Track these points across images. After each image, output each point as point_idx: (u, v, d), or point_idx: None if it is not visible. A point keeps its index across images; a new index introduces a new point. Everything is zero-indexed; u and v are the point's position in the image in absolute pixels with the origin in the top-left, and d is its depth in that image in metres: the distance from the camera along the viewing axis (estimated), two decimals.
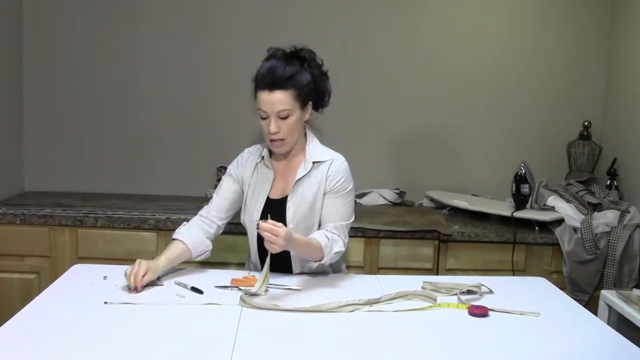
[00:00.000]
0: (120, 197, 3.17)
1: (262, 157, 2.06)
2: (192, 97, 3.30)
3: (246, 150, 2.14)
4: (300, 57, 1.97)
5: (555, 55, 3.35)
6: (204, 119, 3.30)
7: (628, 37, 3.18)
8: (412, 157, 3.40)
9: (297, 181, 1.99)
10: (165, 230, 2.74)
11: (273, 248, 1.71)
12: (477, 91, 3.37)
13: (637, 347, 1.54)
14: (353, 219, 2.06)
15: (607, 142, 3.27)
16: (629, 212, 2.84)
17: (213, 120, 3.31)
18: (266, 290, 1.81)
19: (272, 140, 1.94)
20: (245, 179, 2.07)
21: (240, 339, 1.49)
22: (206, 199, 3.08)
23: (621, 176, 3.14)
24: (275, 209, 1.97)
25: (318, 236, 1.92)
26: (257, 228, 1.71)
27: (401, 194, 3.35)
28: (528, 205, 3.00)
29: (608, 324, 2.05)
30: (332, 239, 1.93)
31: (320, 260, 1.92)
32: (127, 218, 2.75)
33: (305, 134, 2.05)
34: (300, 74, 1.93)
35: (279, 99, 1.88)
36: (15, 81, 3.18)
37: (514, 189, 3.00)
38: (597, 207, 2.93)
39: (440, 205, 3.23)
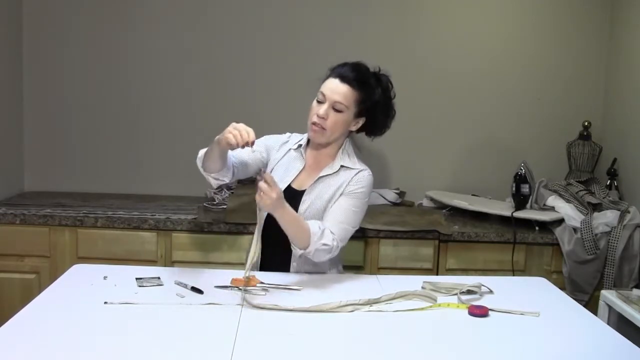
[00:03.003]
0: (120, 197, 3.17)
1: (300, 145, 2.09)
2: (192, 97, 3.30)
3: (288, 133, 2.18)
4: (378, 79, 2.03)
5: (555, 55, 3.35)
6: (204, 118, 3.30)
7: (628, 37, 3.18)
8: (412, 157, 3.40)
9: (320, 177, 2.02)
10: (165, 230, 2.74)
11: (263, 200, 1.74)
12: (477, 91, 3.37)
13: (637, 347, 1.54)
14: (356, 228, 2.05)
15: (607, 142, 3.27)
16: (629, 212, 2.84)
17: (213, 120, 3.30)
18: (265, 289, 1.81)
19: (313, 124, 1.98)
20: (271, 157, 2.11)
21: (240, 339, 1.49)
22: (206, 199, 3.10)
23: (621, 176, 3.14)
24: (291, 197, 1.98)
25: (311, 223, 1.91)
26: (261, 174, 1.76)
27: (401, 194, 3.35)
28: (528, 205, 3.00)
29: (608, 324, 2.05)
30: (324, 232, 1.91)
31: (305, 249, 1.89)
32: (127, 218, 2.74)
33: (344, 143, 2.08)
34: (372, 90, 2.00)
35: (343, 91, 1.95)
36: (15, 81, 3.18)
37: (514, 189, 3.00)
38: (597, 207, 2.93)
39: (440, 205, 3.23)
